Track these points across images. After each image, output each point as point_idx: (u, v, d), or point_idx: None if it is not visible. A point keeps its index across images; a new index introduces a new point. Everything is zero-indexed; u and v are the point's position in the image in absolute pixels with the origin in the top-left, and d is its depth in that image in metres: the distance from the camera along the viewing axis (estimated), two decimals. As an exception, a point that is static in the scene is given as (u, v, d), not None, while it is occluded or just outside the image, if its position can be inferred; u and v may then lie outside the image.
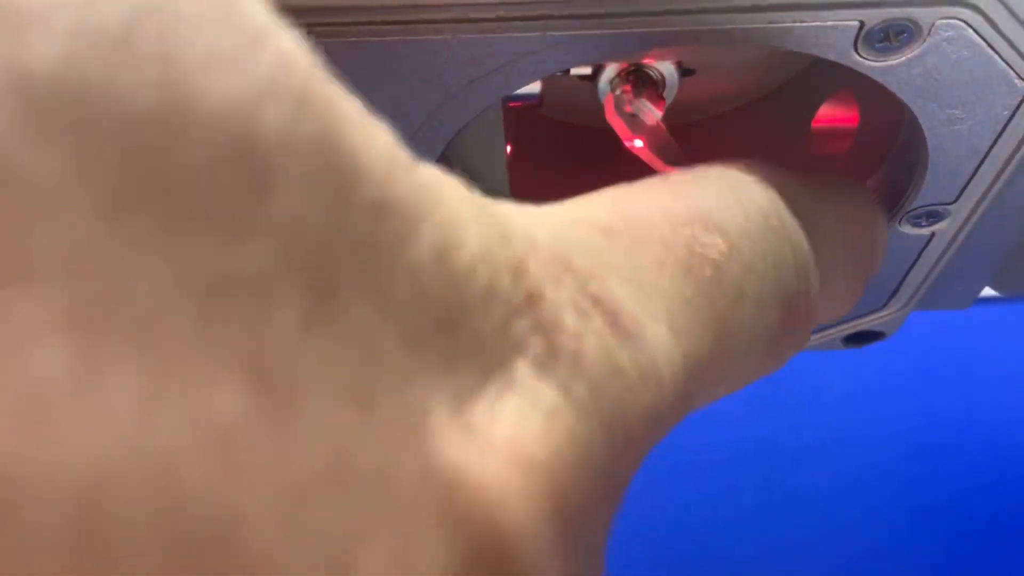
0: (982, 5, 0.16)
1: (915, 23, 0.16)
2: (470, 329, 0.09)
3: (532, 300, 0.10)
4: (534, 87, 0.21)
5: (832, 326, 0.26)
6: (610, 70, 0.21)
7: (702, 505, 0.43)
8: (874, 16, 0.16)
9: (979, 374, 0.45)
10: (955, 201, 0.21)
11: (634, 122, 0.21)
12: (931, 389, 0.44)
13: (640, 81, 0.21)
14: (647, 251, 0.12)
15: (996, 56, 0.17)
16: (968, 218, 0.21)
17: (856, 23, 0.16)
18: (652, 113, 0.21)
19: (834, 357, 0.28)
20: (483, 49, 0.16)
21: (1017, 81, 0.17)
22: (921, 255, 0.23)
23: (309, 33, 0.16)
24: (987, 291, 0.25)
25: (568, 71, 0.21)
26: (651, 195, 0.14)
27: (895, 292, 0.25)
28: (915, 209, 0.21)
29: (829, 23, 0.16)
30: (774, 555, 0.42)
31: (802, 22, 0.16)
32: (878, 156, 0.22)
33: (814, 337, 0.26)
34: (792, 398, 0.45)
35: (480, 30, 0.16)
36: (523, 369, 0.10)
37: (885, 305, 0.25)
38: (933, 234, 0.22)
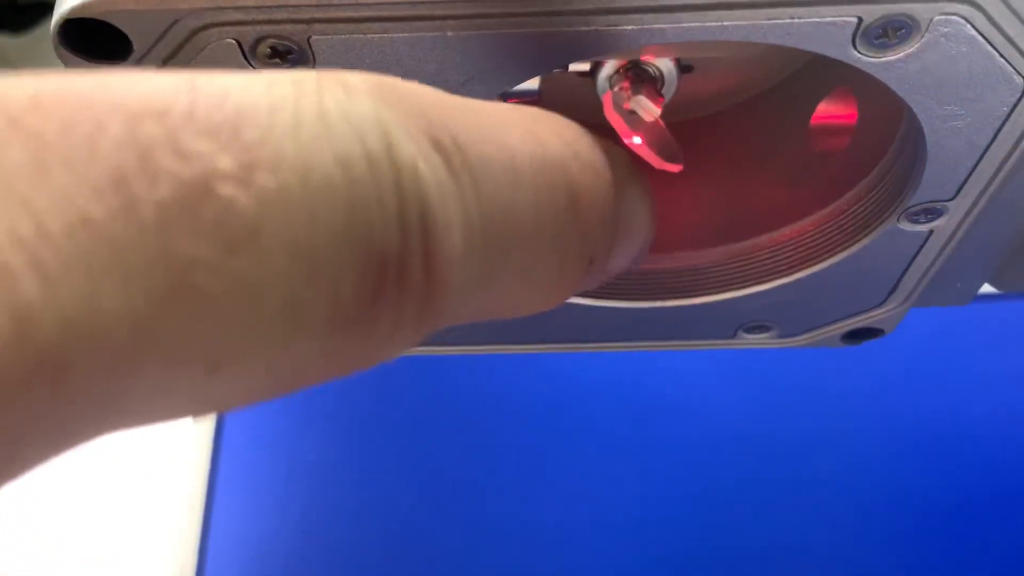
0: (980, 1, 0.16)
1: (913, 19, 0.16)
2: None
3: None
4: (532, 83, 0.21)
5: (830, 323, 0.26)
6: (608, 67, 0.21)
7: (699, 502, 0.43)
8: (872, 12, 0.16)
9: (978, 371, 0.45)
10: (953, 198, 0.21)
11: (633, 119, 0.21)
12: (930, 386, 0.45)
13: (638, 78, 0.21)
14: (66, 143, 0.09)
15: (994, 52, 0.17)
16: (966, 215, 0.21)
17: (854, 19, 0.16)
18: (651, 110, 0.21)
19: (833, 354, 0.28)
20: (481, 45, 0.16)
21: (1015, 77, 0.17)
22: (919, 252, 0.23)
23: (308, 29, 0.16)
24: (986, 288, 0.25)
25: (566, 67, 0.21)
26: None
27: (894, 289, 0.25)
28: (913, 206, 0.21)
29: (827, 19, 0.16)
30: (772, 551, 0.42)
31: (800, 18, 0.16)
32: (877, 153, 0.22)
33: (811, 335, 0.26)
34: (790, 395, 0.45)
35: (478, 26, 0.16)
36: None
37: (884, 302, 0.25)
38: (931, 231, 0.22)
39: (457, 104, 0.12)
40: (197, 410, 0.10)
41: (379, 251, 0.10)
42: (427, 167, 0.10)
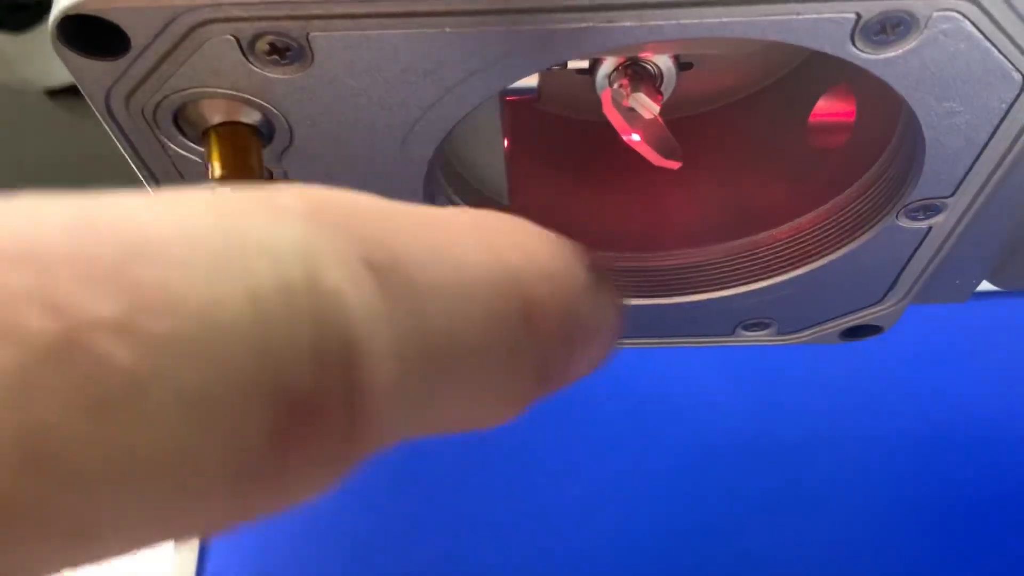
0: None
1: (912, 15, 0.16)
2: None
3: None
4: (532, 81, 0.21)
5: (829, 320, 0.26)
6: (607, 64, 0.21)
7: (698, 500, 0.43)
8: (871, 8, 0.16)
9: (976, 368, 0.45)
10: (952, 195, 0.21)
11: (631, 116, 0.21)
12: (928, 383, 0.44)
13: (637, 75, 0.21)
14: None
15: (993, 49, 0.17)
16: (965, 211, 0.21)
17: (853, 15, 0.16)
18: (649, 107, 0.21)
19: (831, 351, 0.28)
20: (480, 42, 0.16)
21: (1014, 74, 0.17)
22: (918, 249, 0.23)
23: (307, 26, 0.16)
24: (984, 285, 0.25)
25: (566, 65, 0.21)
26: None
27: (892, 286, 0.25)
28: (912, 202, 0.21)
29: (826, 15, 0.16)
30: (771, 549, 0.42)
31: (799, 14, 0.16)
32: (876, 149, 0.22)
33: (810, 332, 0.26)
34: (789, 392, 0.45)
35: (477, 23, 0.16)
36: None
37: (882, 299, 0.25)
38: (930, 227, 0.22)
39: (405, 216, 0.11)
40: (83, 566, 0.09)
41: (290, 393, 0.09)
42: (355, 292, 0.10)
